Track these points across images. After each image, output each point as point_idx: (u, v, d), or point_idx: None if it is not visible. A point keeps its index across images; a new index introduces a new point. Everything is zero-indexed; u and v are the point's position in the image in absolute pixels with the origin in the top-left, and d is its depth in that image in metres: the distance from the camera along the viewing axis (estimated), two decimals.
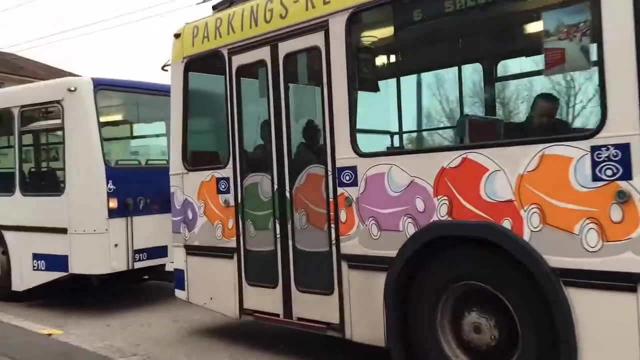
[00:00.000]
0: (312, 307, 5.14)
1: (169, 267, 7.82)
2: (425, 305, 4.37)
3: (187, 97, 6.31)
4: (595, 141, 3.47)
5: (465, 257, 4.15)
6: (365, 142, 4.88)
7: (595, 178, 3.47)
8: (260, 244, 5.61)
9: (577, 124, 6.13)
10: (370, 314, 4.66)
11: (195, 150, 6.38)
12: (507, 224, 3.84)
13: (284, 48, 5.28)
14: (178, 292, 6.51)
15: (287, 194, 5.30)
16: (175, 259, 6.53)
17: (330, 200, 4.93)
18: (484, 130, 4.85)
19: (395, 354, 4.52)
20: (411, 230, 4.37)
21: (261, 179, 5.61)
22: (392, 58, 6.16)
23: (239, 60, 5.70)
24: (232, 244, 5.80)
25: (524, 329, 3.87)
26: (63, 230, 7.41)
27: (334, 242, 4.92)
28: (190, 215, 6.27)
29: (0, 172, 9.27)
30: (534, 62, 5.55)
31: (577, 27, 3.60)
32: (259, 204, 5.60)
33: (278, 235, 5.39)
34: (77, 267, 7.39)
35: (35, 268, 7.76)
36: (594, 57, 3.57)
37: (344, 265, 4.85)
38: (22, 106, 8.11)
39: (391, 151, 5.58)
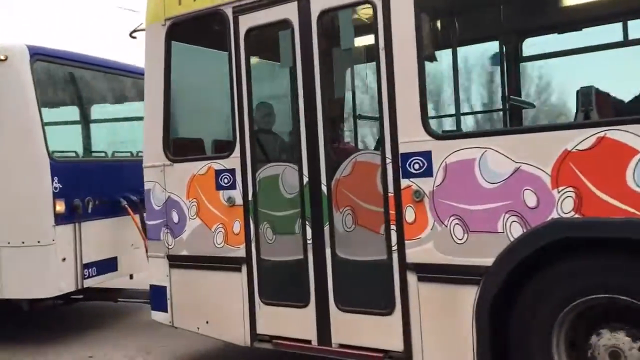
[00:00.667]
0: (361, 331, 4.06)
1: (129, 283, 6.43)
2: (538, 326, 3.44)
3: (170, 69, 5.00)
4: None
5: (601, 264, 3.25)
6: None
7: None
8: (281, 252, 4.46)
9: None
10: (452, 338, 3.67)
11: (181, 136, 5.10)
12: None
13: (318, 4, 4.16)
14: (157, 315, 5.18)
15: (324, 189, 4.18)
16: (153, 273, 5.20)
17: (390, 195, 3.88)
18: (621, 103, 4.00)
19: None
20: (517, 231, 3.42)
21: (283, 170, 4.45)
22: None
23: (249, 20, 4.50)
24: (240, 252, 4.59)
25: None
26: None
27: (394, 248, 3.87)
28: (175, 218, 4.97)
29: None
30: None
31: None
32: (280, 202, 4.45)
33: (309, 241, 4.25)
34: (11, 290, 5.81)
35: None
36: None
37: (411, 277, 3.81)
38: None
39: (485, 131, 4.60)
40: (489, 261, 3.50)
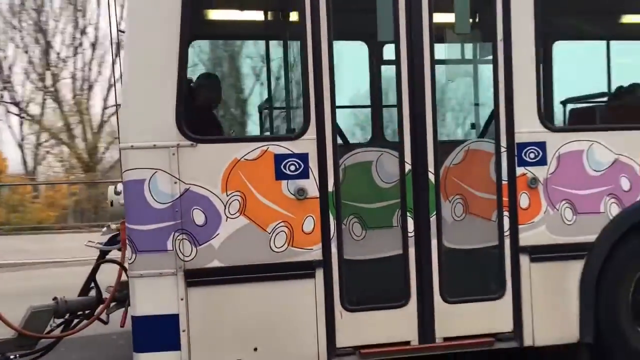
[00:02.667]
0: (468, 321, 4.02)
1: None
2: (623, 286, 4.23)
3: (187, 19, 3.63)
4: None
5: None
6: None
7: None
8: (372, 249, 3.92)
9: None
10: (559, 309, 4.11)
11: (210, 109, 3.74)
12: None
13: None
14: (157, 357, 3.65)
15: (432, 177, 3.92)
16: (148, 299, 3.65)
17: (504, 182, 4.02)
18: None
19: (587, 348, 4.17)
20: (615, 210, 4.15)
21: (378, 157, 3.92)
22: None
23: None
24: (315, 255, 3.78)
25: None
26: None
27: (507, 233, 4.03)
28: (199, 219, 3.65)
29: None
30: None
31: None
32: (373, 193, 3.90)
33: (411, 234, 3.90)
34: None
35: None
36: None
37: (524, 259, 4.05)
38: None
39: (594, 127, 4.80)
40: (593, 237, 4.12)
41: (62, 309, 4.33)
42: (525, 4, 3.97)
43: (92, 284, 4.59)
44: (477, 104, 4.64)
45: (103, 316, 4.42)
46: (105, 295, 4.32)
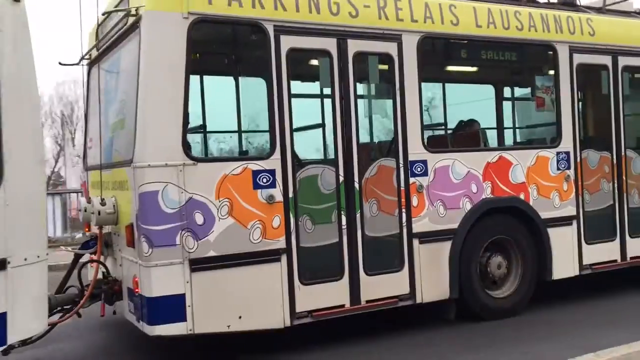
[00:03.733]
0: (381, 287, 5.66)
1: None
2: (474, 258, 6.18)
3: (190, 64, 4.82)
4: (558, 149, 6.69)
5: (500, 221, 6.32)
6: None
7: (557, 169, 6.67)
8: (319, 239, 5.37)
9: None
10: (437, 276, 5.93)
11: (209, 135, 4.91)
12: (522, 196, 6.42)
13: (354, 46, 5.50)
14: (168, 329, 4.73)
15: (357, 186, 5.51)
16: (159, 283, 4.70)
17: (402, 189, 5.75)
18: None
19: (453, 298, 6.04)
20: (468, 207, 6.10)
21: (322, 171, 5.39)
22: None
23: (291, 42, 5.21)
24: (280, 244, 5.15)
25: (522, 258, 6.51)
26: None
27: (404, 224, 5.76)
28: (199, 220, 4.83)
29: None
30: None
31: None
32: (318, 197, 5.36)
33: (344, 227, 5.45)
34: None
35: None
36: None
37: (415, 242, 5.82)
38: None
39: (453, 149, 6.46)
40: (456, 225, 6.03)
41: (54, 303, 5.12)
42: (411, 66, 5.78)
43: (69, 284, 5.43)
44: (384, 133, 6.36)
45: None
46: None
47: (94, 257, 5.51)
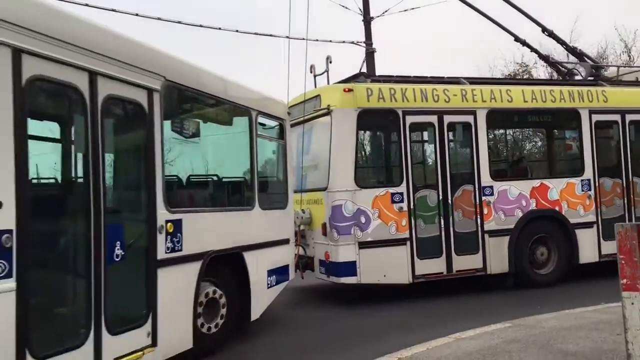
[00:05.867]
0: (465, 263, 9.38)
1: None
2: (524, 247, 9.79)
3: (358, 135, 8.82)
4: (582, 177, 10.20)
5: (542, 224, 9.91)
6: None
7: (581, 190, 10.16)
8: (427, 233, 9.18)
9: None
10: (500, 257, 9.58)
11: (365, 173, 8.87)
12: (557, 208, 9.97)
13: (447, 119, 9.33)
14: (345, 279, 8.67)
15: (449, 201, 9.30)
16: (343, 254, 8.65)
17: (477, 203, 9.47)
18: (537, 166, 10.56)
19: (511, 272, 9.65)
20: (520, 214, 9.72)
21: (429, 193, 9.23)
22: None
23: (411, 119, 9.12)
24: (406, 235, 9.00)
25: (558, 249, 10.04)
26: None
27: (479, 225, 9.47)
28: (363, 220, 8.76)
29: None
30: None
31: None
32: (428, 208, 9.20)
33: (442, 226, 9.24)
34: None
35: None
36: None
37: (486, 236, 9.50)
38: None
39: (509, 178, 10.28)
40: (512, 226, 9.65)
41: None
42: (482, 129, 9.55)
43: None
44: (464, 168, 10.15)
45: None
46: None
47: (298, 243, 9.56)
